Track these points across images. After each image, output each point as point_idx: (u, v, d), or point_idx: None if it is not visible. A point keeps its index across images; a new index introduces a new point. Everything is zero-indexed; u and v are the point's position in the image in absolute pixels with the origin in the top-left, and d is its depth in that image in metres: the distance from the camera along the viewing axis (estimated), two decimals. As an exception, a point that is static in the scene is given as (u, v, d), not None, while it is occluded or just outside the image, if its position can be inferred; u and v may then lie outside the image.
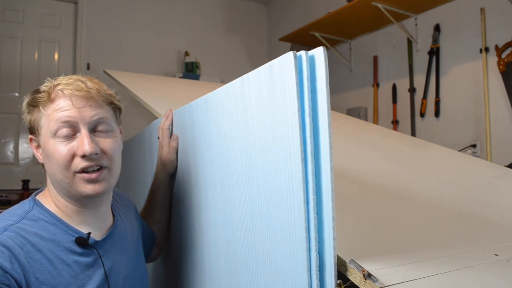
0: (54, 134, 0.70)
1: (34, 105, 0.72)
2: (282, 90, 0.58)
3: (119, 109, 0.82)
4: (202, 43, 3.80)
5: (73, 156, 0.70)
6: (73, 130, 0.71)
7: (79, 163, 0.70)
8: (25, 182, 2.86)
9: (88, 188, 0.71)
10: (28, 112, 0.74)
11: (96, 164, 0.71)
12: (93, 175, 0.71)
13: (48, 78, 0.75)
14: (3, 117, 3.02)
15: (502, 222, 0.86)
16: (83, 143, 0.70)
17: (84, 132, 0.71)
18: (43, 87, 0.73)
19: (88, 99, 0.72)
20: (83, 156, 0.70)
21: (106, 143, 0.74)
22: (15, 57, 3.07)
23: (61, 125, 0.70)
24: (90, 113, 0.72)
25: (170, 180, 1.02)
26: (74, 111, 0.70)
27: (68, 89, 0.71)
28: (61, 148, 0.70)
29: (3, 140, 3.04)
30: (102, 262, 0.74)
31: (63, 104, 0.70)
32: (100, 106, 0.74)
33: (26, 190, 2.81)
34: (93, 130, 0.73)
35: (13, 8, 3.08)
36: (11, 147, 3.06)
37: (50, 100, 0.71)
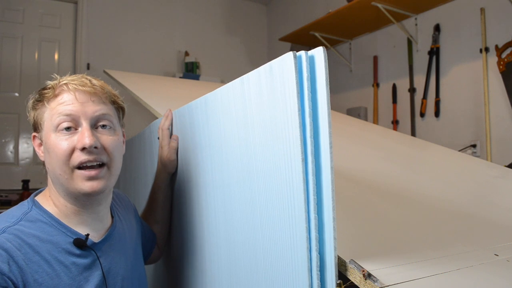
0: (56, 128, 0.71)
1: (39, 100, 0.74)
2: (282, 90, 0.58)
3: (122, 109, 0.82)
4: (202, 43, 3.80)
5: (73, 151, 0.70)
6: (75, 124, 0.71)
7: (78, 157, 0.70)
8: (25, 182, 2.86)
9: (87, 186, 0.71)
10: (32, 108, 0.75)
11: (95, 160, 0.71)
12: (93, 172, 0.71)
13: (55, 75, 0.76)
14: (3, 117, 3.01)
15: (502, 222, 0.86)
16: (83, 135, 0.70)
17: (85, 126, 0.71)
18: (49, 84, 0.74)
19: (92, 95, 0.73)
20: (83, 149, 0.70)
21: (108, 139, 0.74)
22: (15, 57, 3.07)
23: (63, 118, 0.70)
24: (93, 108, 0.73)
25: (171, 180, 1.02)
26: (77, 105, 0.71)
27: (72, 83, 0.72)
28: (61, 143, 0.70)
29: (3, 140, 3.04)
30: (100, 263, 0.74)
31: (67, 98, 0.72)
32: (103, 102, 0.75)
33: (26, 190, 2.81)
34: (94, 125, 0.73)
35: (13, 8, 3.08)
36: (11, 147, 3.06)
37: (55, 95, 0.72)
